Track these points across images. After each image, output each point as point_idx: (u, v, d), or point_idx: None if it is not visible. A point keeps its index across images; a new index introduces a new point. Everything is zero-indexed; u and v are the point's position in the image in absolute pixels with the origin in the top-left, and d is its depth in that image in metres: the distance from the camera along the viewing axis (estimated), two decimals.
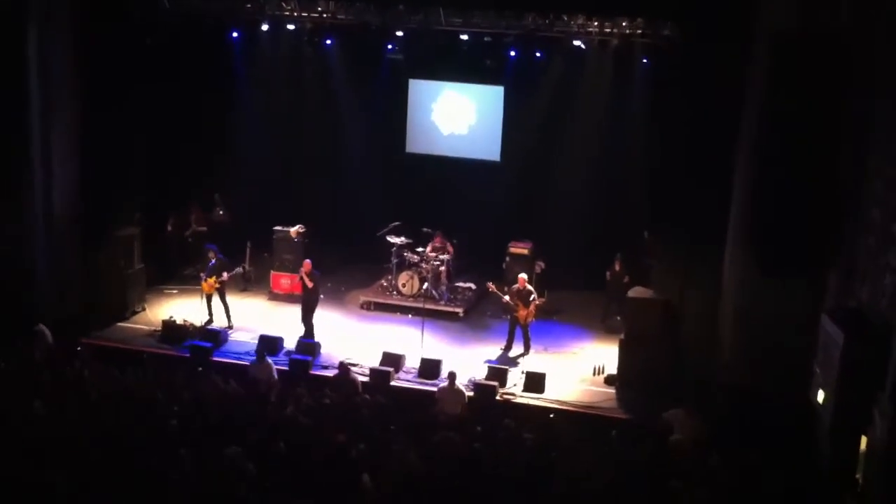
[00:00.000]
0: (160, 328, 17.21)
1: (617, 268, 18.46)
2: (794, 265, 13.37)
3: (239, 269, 18.84)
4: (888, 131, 11.24)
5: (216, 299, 17.76)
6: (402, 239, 19.45)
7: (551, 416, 13.96)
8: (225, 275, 17.71)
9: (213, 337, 16.82)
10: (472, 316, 18.92)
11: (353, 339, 17.40)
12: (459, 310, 18.81)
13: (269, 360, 15.10)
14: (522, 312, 16.82)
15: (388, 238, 19.48)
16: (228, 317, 17.77)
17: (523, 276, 17.28)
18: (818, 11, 12.96)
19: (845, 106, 12.66)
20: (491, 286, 17.65)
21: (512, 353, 16.97)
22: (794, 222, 13.31)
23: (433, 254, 19.37)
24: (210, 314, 17.72)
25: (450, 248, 19.65)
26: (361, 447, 10.96)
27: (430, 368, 15.83)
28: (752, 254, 13.95)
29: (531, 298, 16.91)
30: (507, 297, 17.00)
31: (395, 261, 19.42)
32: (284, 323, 17.77)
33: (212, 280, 17.57)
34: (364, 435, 11.54)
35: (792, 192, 13.33)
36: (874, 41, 11.77)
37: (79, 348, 15.49)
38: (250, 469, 10.16)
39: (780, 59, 13.28)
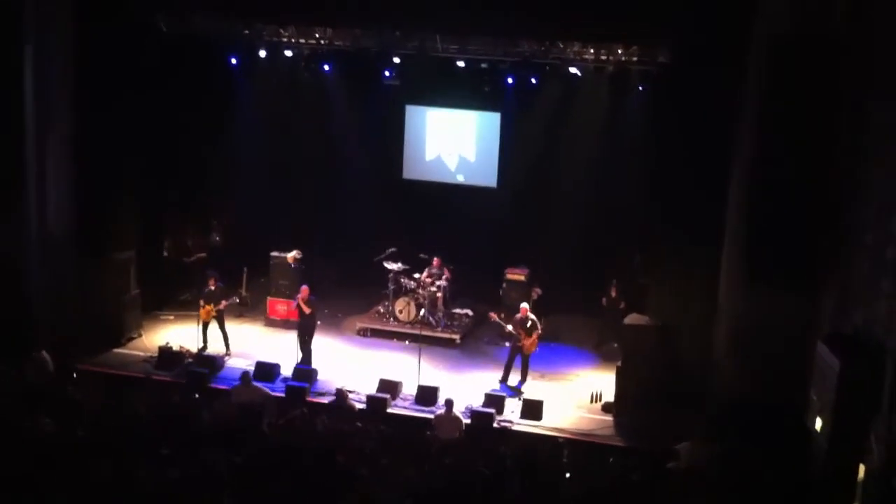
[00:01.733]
0: (156, 354, 17.15)
1: (613, 294, 18.48)
2: (787, 280, 13.45)
3: (235, 299, 18.84)
4: (883, 143, 11.30)
5: (214, 326, 17.71)
6: (399, 265, 19.46)
7: (560, 440, 14.04)
8: (223, 303, 17.71)
9: (210, 363, 16.78)
10: (468, 342, 18.89)
11: (349, 365, 17.35)
12: (456, 336, 18.78)
13: (258, 384, 15.00)
14: (526, 342, 16.72)
15: (385, 264, 19.48)
16: (227, 344, 17.71)
17: (525, 305, 17.17)
18: (813, 17, 13.06)
19: (841, 113, 12.74)
20: (493, 316, 17.61)
21: (510, 382, 16.83)
22: (788, 237, 13.42)
23: (430, 280, 19.37)
24: (205, 341, 17.67)
25: (446, 275, 19.64)
26: (363, 472, 10.96)
27: (427, 395, 15.79)
28: (747, 268, 14.01)
29: (533, 328, 16.79)
30: (510, 327, 16.92)
31: (391, 287, 19.42)
32: (281, 349, 17.71)
33: (209, 307, 17.55)
34: (358, 460, 11.53)
35: (786, 207, 13.45)
36: (872, 46, 11.83)
37: (74, 374, 15.45)
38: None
39: (775, 66, 13.40)
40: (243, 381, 14.76)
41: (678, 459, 12.76)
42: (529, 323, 16.75)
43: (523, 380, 16.84)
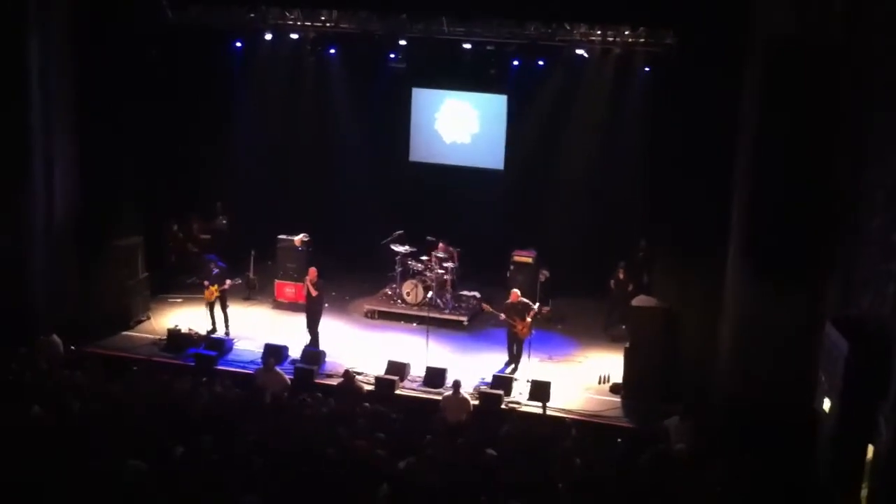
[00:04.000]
0: (165, 337, 17.24)
1: (621, 276, 18.48)
2: (790, 272, 13.45)
3: (238, 280, 18.90)
4: (886, 139, 11.28)
5: (217, 307, 17.84)
6: (406, 248, 19.50)
7: (568, 421, 14.11)
8: (227, 282, 17.81)
9: (218, 346, 16.85)
10: (476, 324, 18.92)
11: (357, 347, 17.41)
12: (464, 318, 18.81)
13: (279, 369, 15.07)
14: (520, 326, 16.66)
15: (392, 247, 19.52)
16: (227, 325, 17.83)
17: (516, 291, 17.08)
18: (814, 19, 13.02)
19: (842, 113, 12.72)
20: (486, 307, 17.59)
21: (507, 369, 16.72)
22: (790, 230, 13.40)
23: (437, 262, 19.40)
24: (213, 322, 17.82)
25: (454, 257, 19.66)
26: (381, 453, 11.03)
27: (434, 377, 15.86)
28: (750, 261, 14.00)
29: (525, 311, 16.66)
30: (502, 315, 16.82)
31: (398, 269, 19.47)
32: (289, 331, 17.79)
33: (214, 288, 17.65)
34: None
35: (788, 200, 13.44)
36: (871, 49, 11.81)
37: (81, 357, 15.52)
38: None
39: (775, 67, 13.37)
40: (266, 364, 14.89)
41: (666, 436, 12.88)
42: (523, 307, 16.73)
43: (516, 365, 16.68)
